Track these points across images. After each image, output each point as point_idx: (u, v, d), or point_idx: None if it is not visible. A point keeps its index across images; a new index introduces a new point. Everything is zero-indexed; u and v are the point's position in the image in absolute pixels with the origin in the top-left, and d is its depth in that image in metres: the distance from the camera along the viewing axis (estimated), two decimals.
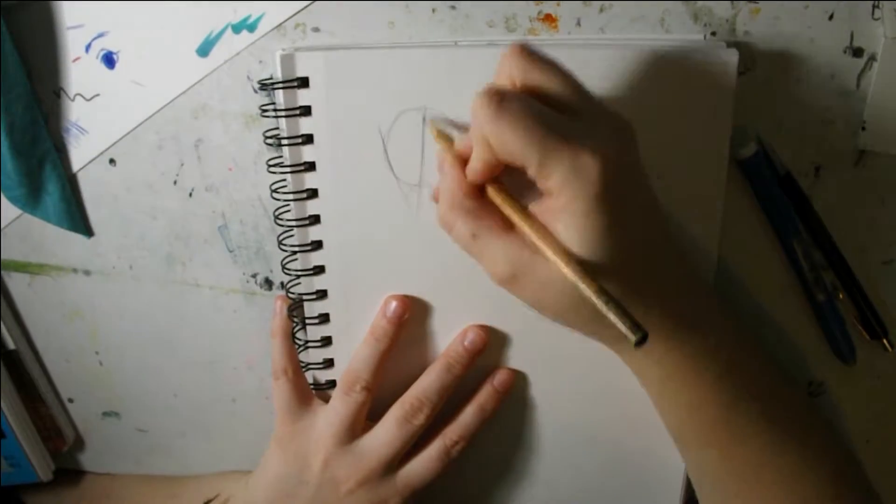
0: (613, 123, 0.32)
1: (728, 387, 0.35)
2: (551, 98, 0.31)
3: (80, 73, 0.43)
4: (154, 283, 0.48)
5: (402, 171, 0.40)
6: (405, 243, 0.41)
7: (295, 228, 0.42)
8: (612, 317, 0.29)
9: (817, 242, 0.41)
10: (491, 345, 0.43)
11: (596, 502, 0.46)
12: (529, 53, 0.31)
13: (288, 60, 0.39)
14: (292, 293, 0.43)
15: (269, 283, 0.46)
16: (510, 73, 0.32)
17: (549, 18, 0.39)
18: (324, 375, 0.45)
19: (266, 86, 0.41)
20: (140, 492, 0.53)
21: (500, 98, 0.30)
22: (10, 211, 0.46)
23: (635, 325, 0.28)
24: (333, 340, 0.44)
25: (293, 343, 0.44)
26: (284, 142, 0.40)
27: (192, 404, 0.51)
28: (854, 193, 0.41)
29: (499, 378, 0.43)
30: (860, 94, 0.39)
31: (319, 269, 0.42)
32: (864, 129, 0.39)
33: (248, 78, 0.42)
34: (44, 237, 0.48)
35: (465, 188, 0.34)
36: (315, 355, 0.44)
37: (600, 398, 0.43)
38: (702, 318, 0.35)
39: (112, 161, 0.45)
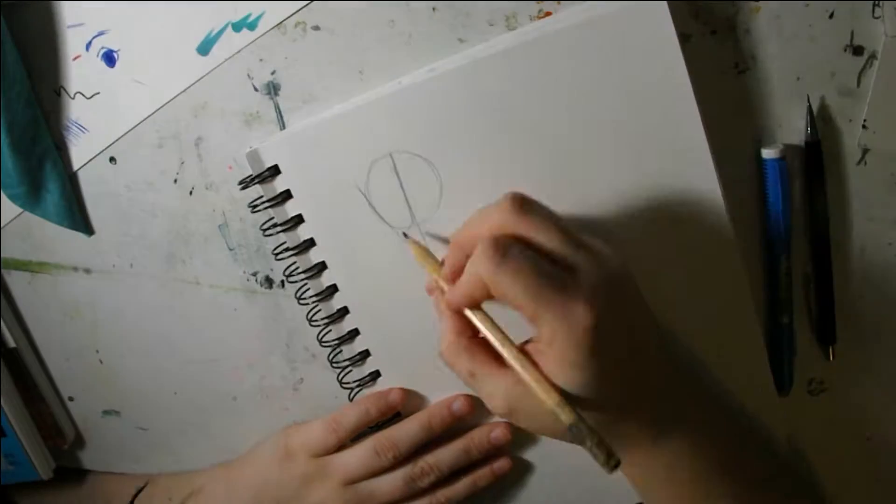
0: (607, 271, 0.33)
1: (712, 493, 0.36)
2: (546, 252, 0.33)
3: (80, 72, 0.43)
4: (154, 281, 0.48)
5: (392, 217, 0.41)
6: (415, 283, 0.41)
7: (320, 304, 0.44)
8: (588, 446, 0.31)
9: (814, 227, 0.41)
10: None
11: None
12: (524, 206, 0.33)
13: (254, 156, 0.42)
14: (336, 363, 0.46)
15: (269, 282, 0.46)
16: (503, 222, 0.33)
17: (549, 17, 0.39)
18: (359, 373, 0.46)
19: (246, 185, 0.43)
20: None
21: (503, 251, 0.32)
22: (11, 209, 0.46)
23: (608, 456, 0.31)
24: (381, 373, 0.46)
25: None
26: (278, 229, 0.42)
27: (192, 402, 0.51)
28: (855, 192, 0.41)
29: (499, 464, 0.45)
30: (861, 92, 0.39)
31: (354, 332, 0.45)
32: (864, 127, 0.39)
33: (249, 76, 0.42)
34: (44, 235, 0.48)
35: (460, 328, 0.36)
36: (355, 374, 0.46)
37: None
38: (682, 425, 0.36)
39: (112, 159, 0.45)
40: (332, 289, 0.44)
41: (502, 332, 0.34)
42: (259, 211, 0.43)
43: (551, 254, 0.33)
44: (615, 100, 0.38)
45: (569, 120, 0.38)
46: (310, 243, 0.43)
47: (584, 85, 0.38)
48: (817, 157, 0.39)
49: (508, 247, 0.32)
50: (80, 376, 0.52)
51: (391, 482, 0.44)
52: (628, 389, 0.34)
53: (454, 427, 0.45)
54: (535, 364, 0.33)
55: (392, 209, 0.41)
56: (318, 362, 0.48)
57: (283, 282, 0.46)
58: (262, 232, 0.44)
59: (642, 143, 0.38)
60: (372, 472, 0.44)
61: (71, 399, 0.53)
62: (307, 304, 0.44)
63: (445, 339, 0.36)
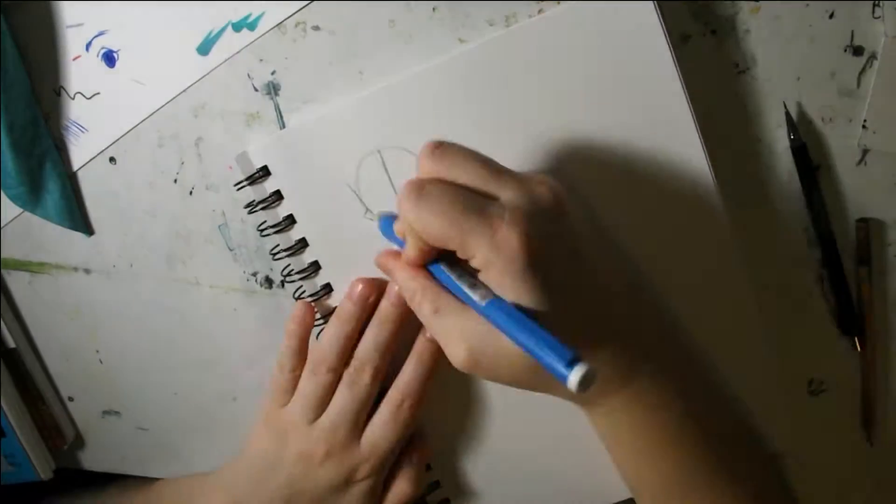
0: (535, 195, 0.32)
1: (680, 440, 0.35)
2: (467, 185, 0.33)
3: (80, 72, 0.43)
4: (154, 281, 0.48)
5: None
6: None
7: (317, 304, 0.44)
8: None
9: (817, 229, 0.41)
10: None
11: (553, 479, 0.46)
12: (440, 148, 0.33)
13: (243, 158, 0.42)
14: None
15: (269, 282, 0.46)
16: (423, 170, 0.33)
17: (540, 14, 0.39)
18: None
19: (241, 187, 0.43)
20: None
21: (420, 187, 0.32)
22: (11, 209, 0.46)
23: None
24: None
25: (307, 347, 0.44)
26: (270, 231, 0.43)
27: (192, 403, 0.51)
28: (855, 192, 0.41)
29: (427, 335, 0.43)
30: (861, 92, 0.39)
31: None
32: (864, 127, 0.39)
33: (249, 76, 0.42)
34: (44, 235, 0.48)
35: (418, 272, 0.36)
36: None
37: None
38: (656, 369, 0.35)
39: (112, 160, 0.45)
40: (328, 288, 0.44)
41: (472, 276, 0.34)
42: (255, 212, 0.43)
43: (472, 187, 0.33)
44: (605, 96, 0.38)
45: (557, 115, 0.38)
46: (303, 244, 0.43)
47: (571, 81, 0.38)
48: (805, 160, 0.40)
49: (424, 184, 0.32)
50: (80, 376, 0.52)
51: (339, 398, 0.42)
52: (584, 320, 0.33)
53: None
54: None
55: (383, 205, 0.41)
56: None
57: (283, 282, 0.46)
58: (259, 233, 0.44)
59: (635, 142, 0.38)
60: (320, 395, 0.43)
61: (71, 399, 0.53)
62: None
63: (408, 270, 0.36)
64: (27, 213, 0.46)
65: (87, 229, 0.47)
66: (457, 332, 0.34)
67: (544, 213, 0.32)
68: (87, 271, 0.48)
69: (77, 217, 0.46)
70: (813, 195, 0.40)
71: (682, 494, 0.36)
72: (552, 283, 0.32)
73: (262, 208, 0.42)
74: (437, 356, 0.42)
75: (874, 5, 0.37)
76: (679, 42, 0.38)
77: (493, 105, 0.39)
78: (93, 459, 0.55)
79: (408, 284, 0.36)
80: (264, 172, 0.42)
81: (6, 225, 0.47)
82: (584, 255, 0.34)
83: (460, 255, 0.32)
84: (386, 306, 0.42)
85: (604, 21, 0.37)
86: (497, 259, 0.31)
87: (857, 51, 0.38)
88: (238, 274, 0.46)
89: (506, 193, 0.32)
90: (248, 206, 0.43)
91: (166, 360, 0.50)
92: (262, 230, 0.44)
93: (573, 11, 0.37)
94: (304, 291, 0.44)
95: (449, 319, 0.34)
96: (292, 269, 0.44)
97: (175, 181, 0.45)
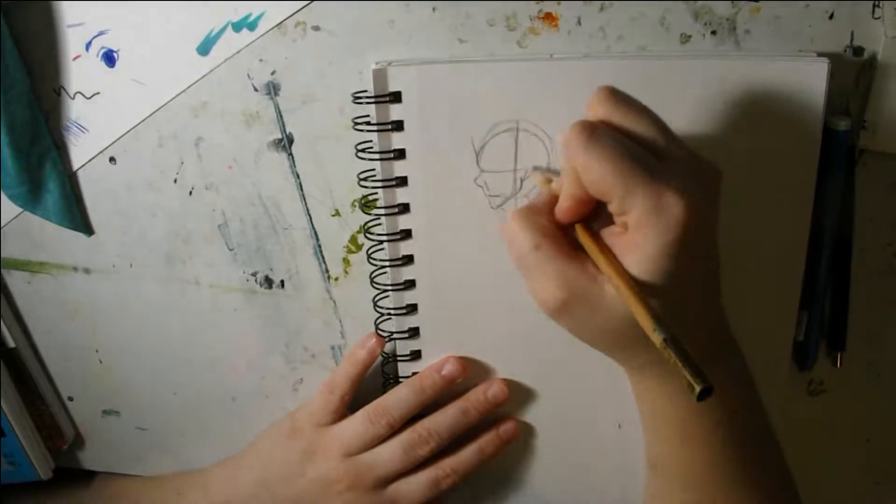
0: (702, 171, 0.32)
1: (721, 434, 0.35)
2: (638, 139, 0.31)
3: (80, 72, 0.43)
4: (154, 281, 0.48)
5: (494, 185, 0.40)
6: (495, 258, 0.40)
7: (386, 243, 0.42)
8: (681, 366, 0.28)
9: (840, 234, 0.41)
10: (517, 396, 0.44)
11: None
12: (617, 96, 0.32)
13: (380, 75, 0.39)
14: (382, 330, 0.45)
15: (268, 282, 0.46)
16: (598, 115, 0.32)
17: (549, 17, 0.39)
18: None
19: (360, 99, 0.41)
20: (148, 492, 0.53)
21: (592, 130, 0.30)
22: (11, 209, 0.46)
23: (700, 377, 0.28)
24: (423, 354, 0.45)
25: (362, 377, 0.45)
26: (376, 156, 0.40)
27: (191, 403, 0.51)
28: (855, 192, 0.41)
29: (504, 427, 0.44)
30: (860, 93, 0.39)
31: (410, 284, 0.43)
32: (864, 127, 0.39)
33: (249, 76, 0.42)
34: (44, 235, 0.48)
35: (547, 209, 0.35)
36: (404, 369, 0.45)
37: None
38: (719, 363, 0.34)
39: (112, 159, 0.45)
40: (406, 233, 0.42)
41: (594, 236, 0.33)
42: (362, 130, 0.41)
43: (644, 141, 0.31)
44: (747, 135, 0.38)
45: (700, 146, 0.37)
46: (401, 181, 0.41)
47: (728, 119, 0.38)
48: (851, 161, 0.39)
49: (597, 128, 0.31)
50: (80, 376, 0.52)
51: (390, 451, 0.43)
52: (699, 299, 0.33)
53: (451, 392, 0.44)
54: (621, 267, 0.31)
55: (497, 176, 0.40)
56: (318, 362, 0.48)
57: (282, 282, 0.46)
58: (355, 151, 0.41)
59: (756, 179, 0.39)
60: (368, 440, 0.43)
61: (71, 399, 0.53)
62: (373, 239, 0.43)
63: (522, 207, 0.35)
64: (27, 213, 0.46)
65: (87, 229, 0.47)
66: (557, 274, 0.32)
67: (707, 192, 0.32)
68: (86, 271, 0.48)
69: (77, 217, 0.46)
70: (847, 199, 0.40)
71: (706, 487, 0.36)
72: (689, 261, 0.31)
73: (376, 130, 0.40)
74: (498, 452, 0.44)
75: (874, 5, 0.37)
76: (679, 42, 0.38)
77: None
78: (93, 459, 0.55)
79: (519, 214, 0.34)
80: (395, 98, 0.39)
81: (6, 225, 0.47)
82: (715, 243, 0.33)
83: (615, 208, 0.31)
84: (480, 398, 0.43)
85: (781, 76, 0.37)
86: (654, 222, 0.30)
87: (857, 51, 0.38)
88: (238, 274, 0.47)
89: (678, 156, 0.31)
90: (355, 119, 0.41)
91: (166, 360, 0.50)
92: (360, 150, 0.41)
93: (763, 60, 0.37)
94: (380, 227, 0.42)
95: (548, 261, 0.33)
96: (374, 199, 0.42)
97: (175, 181, 0.45)
